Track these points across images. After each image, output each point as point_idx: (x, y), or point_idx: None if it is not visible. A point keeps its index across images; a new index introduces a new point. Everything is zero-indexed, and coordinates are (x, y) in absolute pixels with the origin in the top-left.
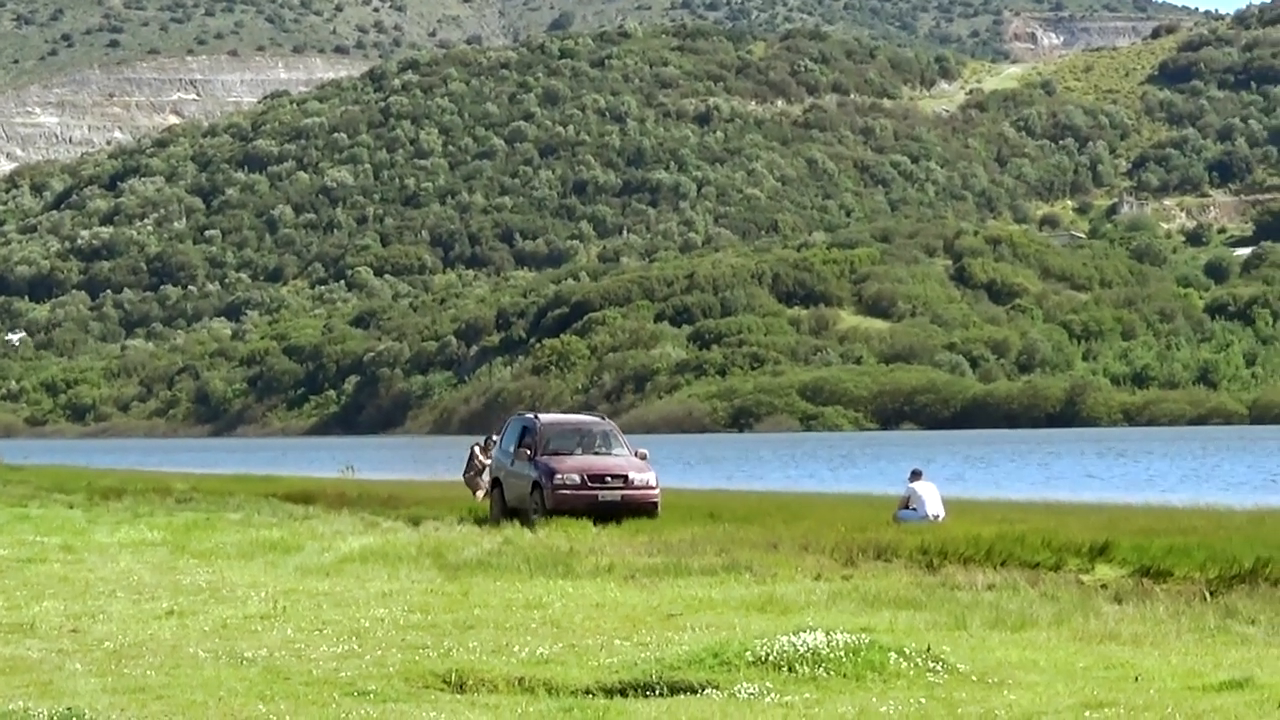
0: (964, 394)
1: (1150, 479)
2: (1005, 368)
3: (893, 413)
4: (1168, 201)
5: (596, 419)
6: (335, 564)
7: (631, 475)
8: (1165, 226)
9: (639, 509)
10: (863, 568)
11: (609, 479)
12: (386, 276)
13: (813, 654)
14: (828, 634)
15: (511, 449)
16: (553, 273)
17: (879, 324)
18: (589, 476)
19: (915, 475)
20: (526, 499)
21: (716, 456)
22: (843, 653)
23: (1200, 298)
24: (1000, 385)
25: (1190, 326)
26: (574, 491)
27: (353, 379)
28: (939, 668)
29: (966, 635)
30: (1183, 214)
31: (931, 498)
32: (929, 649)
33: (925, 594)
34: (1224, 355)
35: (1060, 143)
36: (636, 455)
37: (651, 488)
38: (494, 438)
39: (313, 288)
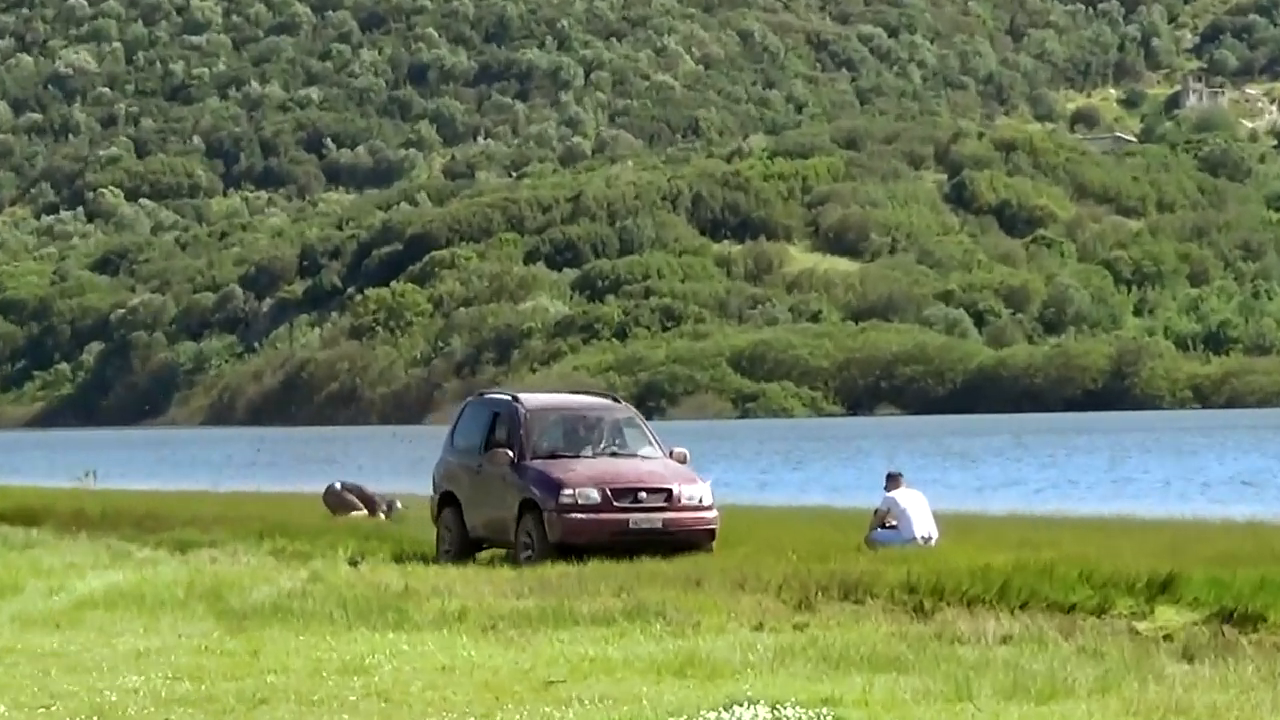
0: (966, 364)
1: (1231, 483)
2: (1025, 326)
3: (865, 391)
4: (1251, 90)
5: (607, 400)
6: (69, 611)
7: (677, 489)
8: (1248, 125)
9: (688, 541)
10: (824, 612)
11: (644, 495)
12: (143, 201)
13: None
14: (774, 709)
15: (476, 448)
16: (380, 195)
17: (844, 265)
18: (614, 491)
19: (894, 481)
20: (509, 527)
21: None
22: None
23: None
24: (1018, 351)
25: None
26: (592, 515)
27: (95, 347)
28: None
29: (973, 709)
30: (1274, 107)
31: (919, 512)
32: None
33: (913, 650)
34: None
35: (1099, 7)
36: (672, 456)
37: (705, 507)
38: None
39: (38, 218)
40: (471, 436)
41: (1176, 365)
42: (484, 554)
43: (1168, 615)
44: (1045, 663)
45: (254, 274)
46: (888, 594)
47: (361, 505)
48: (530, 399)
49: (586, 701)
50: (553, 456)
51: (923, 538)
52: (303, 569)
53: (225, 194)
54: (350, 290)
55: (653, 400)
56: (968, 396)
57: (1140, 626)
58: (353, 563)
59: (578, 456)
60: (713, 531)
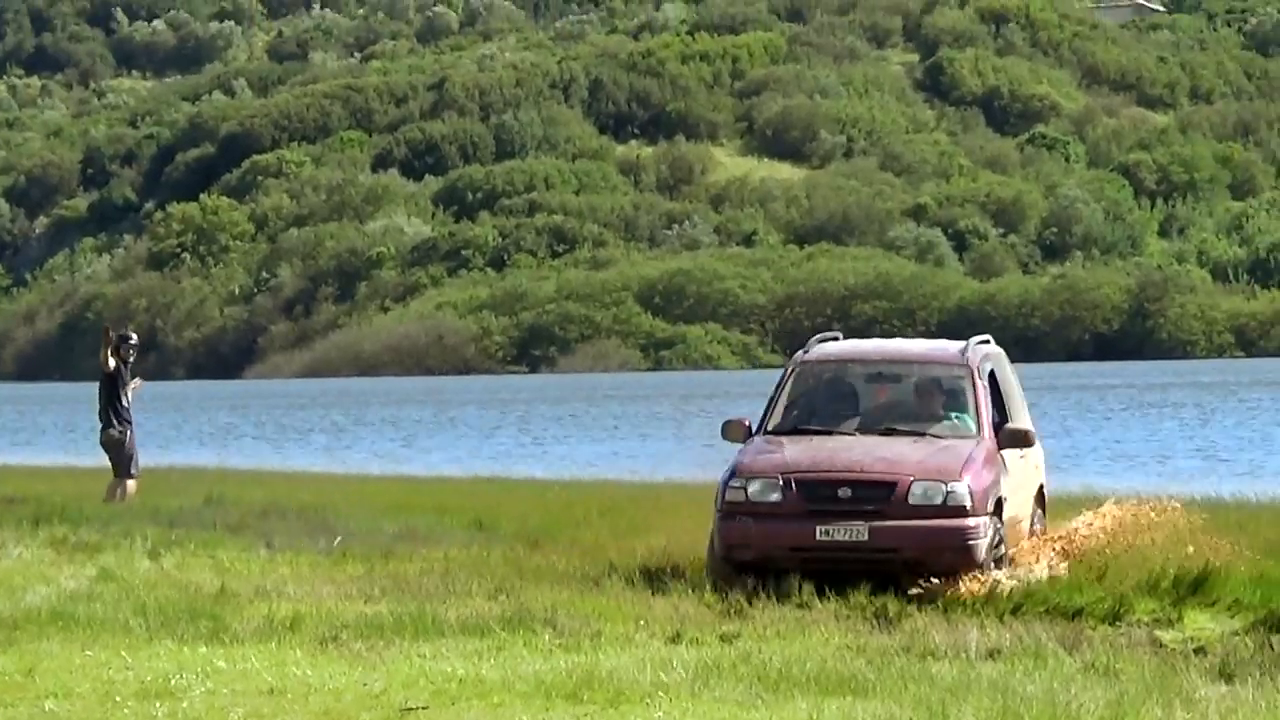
0: (943, 300)
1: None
2: (1019, 251)
3: (812, 336)
4: None
5: (944, 348)
6: None
7: (905, 485)
8: None
9: (918, 562)
10: (758, 619)
11: (847, 491)
12: None
13: None
14: None
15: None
16: (186, 82)
17: (785, 173)
18: (801, 484)
19: None
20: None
21: (489, 418)
22: None
23: None
24: (1010, 284)
25: None
26: (767, 521)
27: None
28: None
29: None
30: None
31: None
32: None
33: (874, 668)
34: None
35: None
36: (1000, 434)
37: (959, 514)
38: (132, 339)
39: None
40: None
41: (1214, 301)
42: (338, 545)
43: (1200, 622)
44: (1043, 683)
45: (23, 186)
46: (841, 596)
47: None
48: (824, 347)
49: None
50: (796, 431)
51: None
52: (90, 564)
53: None
54: (148, 206)
55: (539, 347)
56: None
57: (1165, 637)
58: (154, 556)
59: (832, 432)
60: (969, 549)
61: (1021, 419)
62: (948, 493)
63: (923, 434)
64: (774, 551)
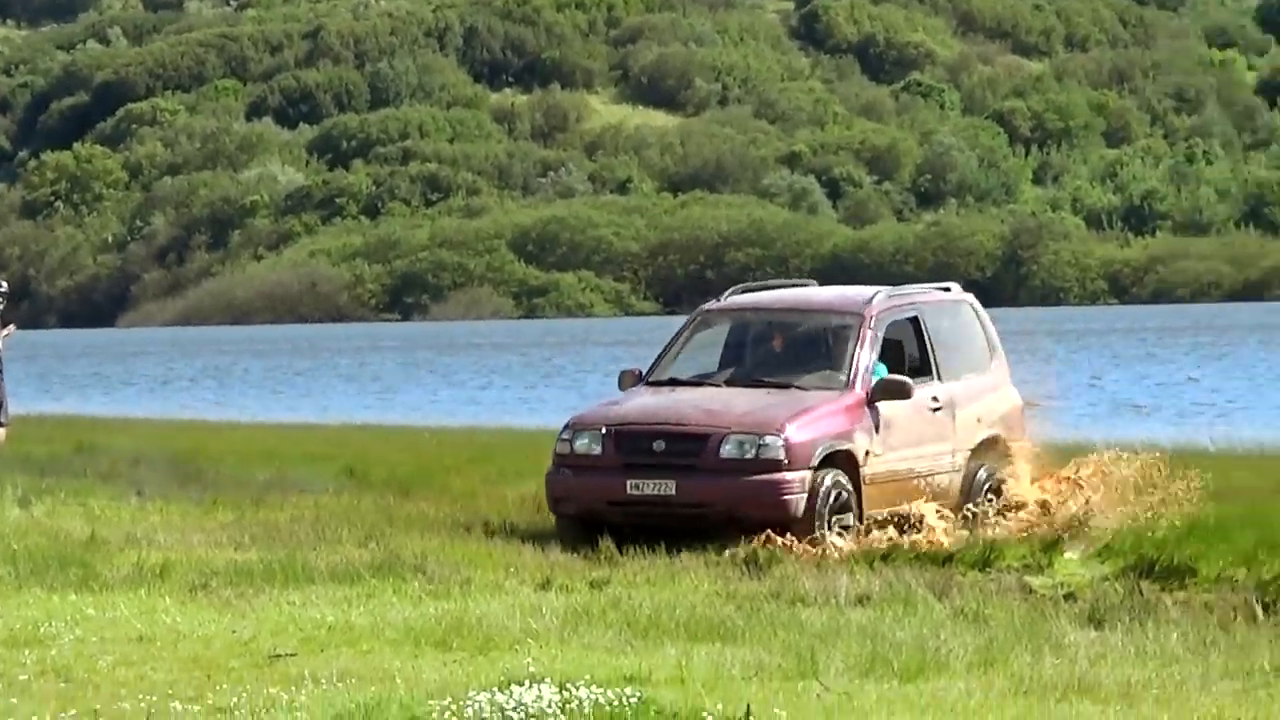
0: (817, 247)
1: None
2: (894, 199)
3: (686, 284)
4: None
5: (845, 297)
6: None
7: (719, 437)
8: None
9: (729, 518)
10: (628, 566)
11: (660, 443)
12: None
13: None
14: (563, 689)
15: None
16: (59, 31)
17: (661, 119)
18: (620, 437)
19: None
20: None
21: (361, 366)
22: None
23: (1251, 68)
24: (884, 231)
25: (1232, 121)
26: (587, 475)
27: None
28: None
29: (819, 688)
30: None
31: None
32: (749, 716)
33: (743, 614)
34: None
35: None
36: (884, 386)
37: (771, 469)
38: (2, 286)
39: None
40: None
41: (1087, 248)
42: (209, 495)
43: (1070, 568)
44: (912, 629)
45: None
46: (713, 541)
47: None
48: (734, 297)
49: (323, 680)
50: (671, 382)
51: None
52: None
53: None
54: (22, 155)
55: (412, 294)
56: None
57: (1035, 583)
58: (24, 504)
59: (702, 384)
60: (783, 504)
61: (958, 370)
62: (760, 446)
63: (788, 386)
64: (593, 505)
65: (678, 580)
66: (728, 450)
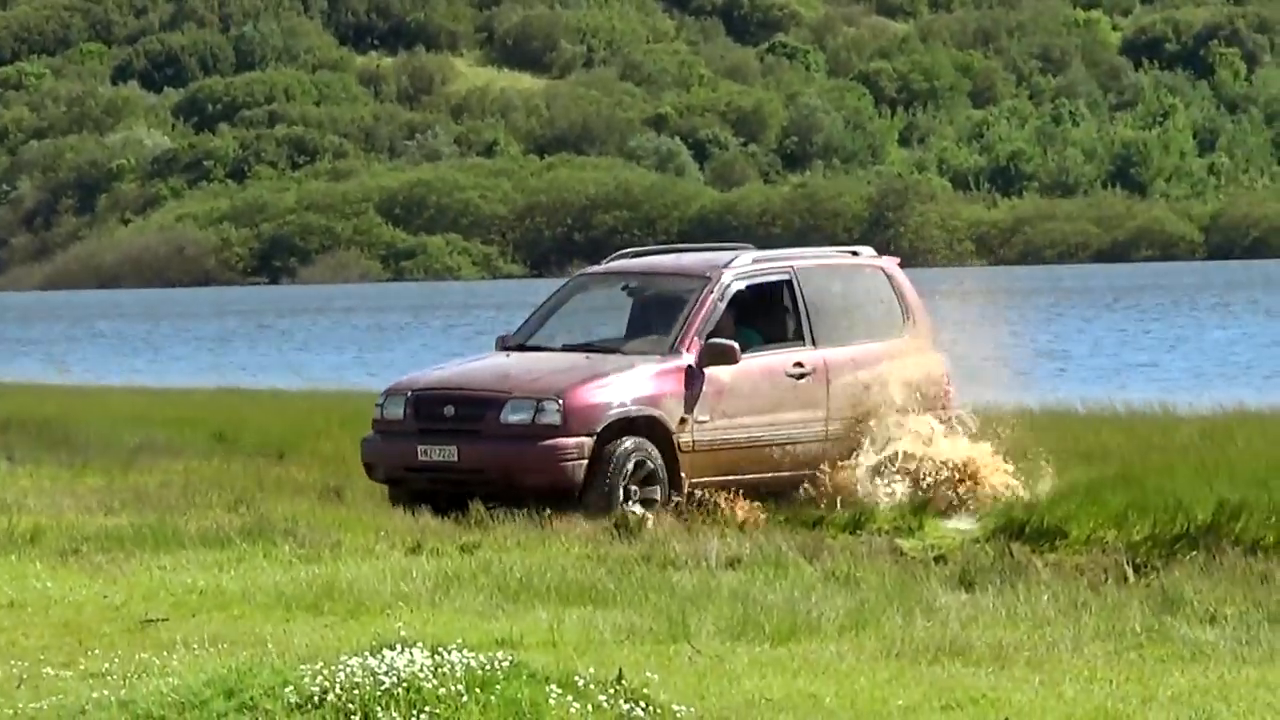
0: (684, 209)
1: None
2: (760, 160)
3: (553, 246)
4: None
5: (702, 261)
6: None
7: (504, 403)
8: None
9: (506, 484)
10: (498, 530)
11: (450, 408)
12: None
13: (407, 690)
14: (435, 653)
15: None
16: None
17: (526, 83)
18: (420, 402)
19: None
20: None
21: (228, 330)
22: (463, 686)
23: (1115, 28)
24: (751, 192)
25: (1098, 81)
26: (389, 441)
27: None
28: (640, 714)
29: (690, 651)
30: None
31: None
32: (621, 679)
33: (614, 577)
34: (1158, 135)
35: None
36: (710, 351)
37: (548, 434)
38: None
39: None
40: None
41: (954, 210)
42: (79, 460)
43: (940, 531)
44: (783, 592)
45: None
46: (584, 502)
47: None
48: (611, 262)
49: (194, 644)
50: (521, 348)
51: None
52: None
53: None
54: None
55: (279, 258)
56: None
57: (905, 545)
58: None
59: (541, 349)
60: (559, 471)
61: (847, 336)
62: (537, 411)
63: (614, 350)
64: (395, 471)
65: (548, 544)
66: (509, 415)
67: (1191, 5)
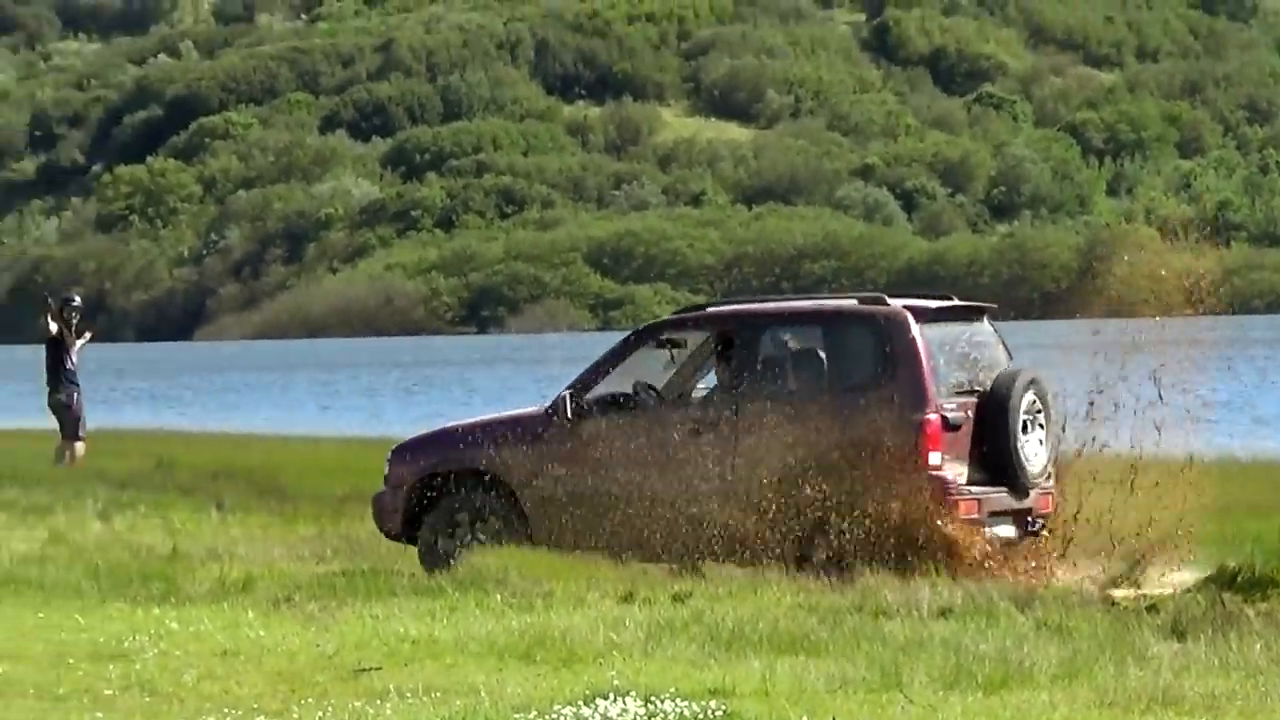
0: (892, 259)
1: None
2: (967, 210)
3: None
4: None
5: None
6: None
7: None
8: None
9: None
10: (712, 577)
11: None
12: None
13: None
14: (648, 701)
15: None
16: (132, 44)
17: (733, 133)
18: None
19: None
20: None
21: (439, 379)
22: None
23: None
24: (958, 243)
25: None
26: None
27: None
28: None
29: (903, 700)
30: None
31: None
32: None
33: (826, 626)
34: None
35: None
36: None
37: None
38: (75, 301)
39: None
40: None
41: (1163, 260)
42: (289, 508)
43: (1152, 580)
44: (996, 641)
45: None
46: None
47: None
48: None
49: (408, 694)
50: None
51: None
52: (41, 527)
53: None
54: (96, 169)
55: (488, 308)
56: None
57: (1117, 594)
58: (105, 518)
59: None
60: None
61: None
62: None
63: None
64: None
65: (760, 593)
66: None
67: None
